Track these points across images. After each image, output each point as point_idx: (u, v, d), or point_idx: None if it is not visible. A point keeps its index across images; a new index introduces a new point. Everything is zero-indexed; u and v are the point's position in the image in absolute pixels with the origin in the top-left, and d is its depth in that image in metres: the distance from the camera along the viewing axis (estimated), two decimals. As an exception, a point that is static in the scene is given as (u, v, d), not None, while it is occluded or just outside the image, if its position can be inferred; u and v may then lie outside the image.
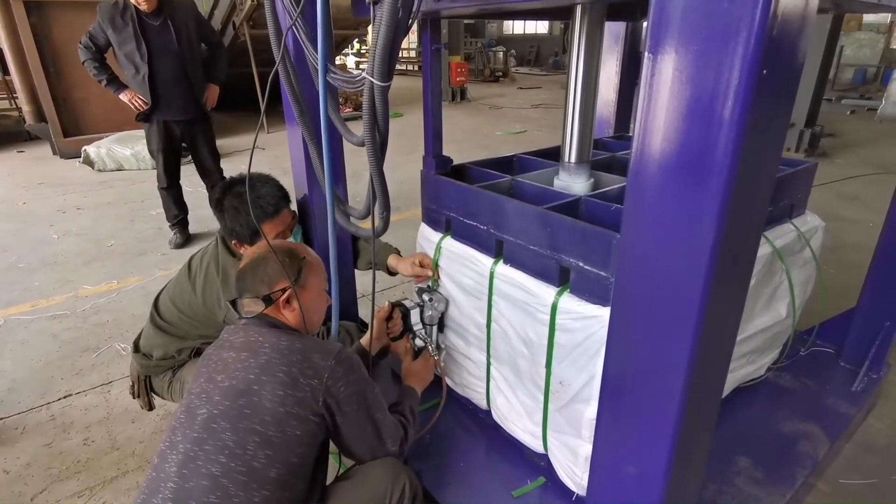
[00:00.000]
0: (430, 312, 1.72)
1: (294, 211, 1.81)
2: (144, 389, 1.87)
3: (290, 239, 1.75)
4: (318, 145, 1.50)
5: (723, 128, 0.72)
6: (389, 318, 1.73)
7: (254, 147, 1.48)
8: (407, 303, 1.78)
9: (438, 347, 1.78)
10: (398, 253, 1.95)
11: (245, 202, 1.61)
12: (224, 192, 1.69)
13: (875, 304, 2.04)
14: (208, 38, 3.77)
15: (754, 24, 0.66)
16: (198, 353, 1.80)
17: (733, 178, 0.74)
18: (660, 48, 0.76)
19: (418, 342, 1.77)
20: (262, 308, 1.26)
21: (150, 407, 1.92)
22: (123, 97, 3.53)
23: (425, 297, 1.72)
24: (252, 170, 1.52)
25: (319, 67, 1.21)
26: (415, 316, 1.76)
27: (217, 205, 1.70)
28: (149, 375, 1.84)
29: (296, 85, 1.45)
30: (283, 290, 1.28)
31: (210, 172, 3.89)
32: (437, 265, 1.72)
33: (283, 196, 1.73)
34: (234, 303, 1.30)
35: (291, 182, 1.94)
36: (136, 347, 1.83)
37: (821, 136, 6.18)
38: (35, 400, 2.30)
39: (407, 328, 1.76)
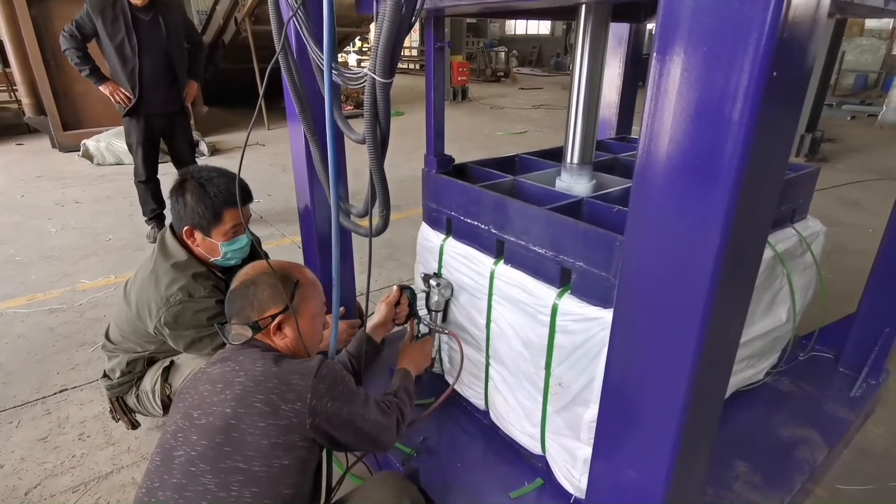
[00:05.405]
0: (436, 298, 1.70)
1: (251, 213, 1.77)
2: (122, 410, 1.89)
3: (239, 241, 1.69)
4: (319, 141, 1.49)
5: (731, 130, 0.71)
6: (397, 303, 1.71)
7: (247, 139, 1.47)
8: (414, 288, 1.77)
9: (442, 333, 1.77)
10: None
11: (213, 185, 1.60)
12: (186, 177, 1.63)
13: (875, 310, 2.04)
14: (191, 36, 3.83)
15: (766, 24, 0.65)
16: (151, 361, 1.83)
17: (741, 181, 0.73)
18: (668, 49, 0.75)
19: (423, 328, 1.76)
20: (249, 335, 1.23)
21: (134, 426, 1.94)
22: (104, 89, 3.54)
23: (432, 282, 1.70)
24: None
25: (325, 63, 1.20)
26: (420, 301, 1.75)
27: (179, 188, 1.63)
28: (119, 396, 1.86)
29: (297, 81, 1.44)
30: (274, 317, 1.23)
31: (186, 164, 3.96)
32: (439, 273, 1.71)
33: (248, 193, 1.72)
34: (223, 326, 1.27)
35: (292, 179, 1.93)
36: (104, 373, 1.87)
37: (821, 141, 6.19)
38: (30, 394, 2.28)
39: (412, 313, 1.76)
